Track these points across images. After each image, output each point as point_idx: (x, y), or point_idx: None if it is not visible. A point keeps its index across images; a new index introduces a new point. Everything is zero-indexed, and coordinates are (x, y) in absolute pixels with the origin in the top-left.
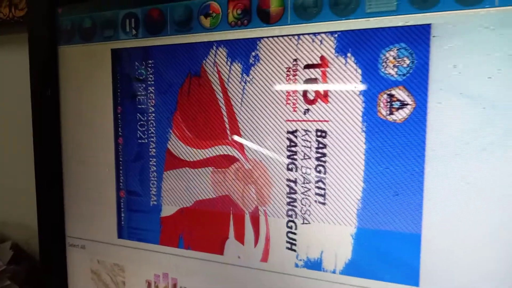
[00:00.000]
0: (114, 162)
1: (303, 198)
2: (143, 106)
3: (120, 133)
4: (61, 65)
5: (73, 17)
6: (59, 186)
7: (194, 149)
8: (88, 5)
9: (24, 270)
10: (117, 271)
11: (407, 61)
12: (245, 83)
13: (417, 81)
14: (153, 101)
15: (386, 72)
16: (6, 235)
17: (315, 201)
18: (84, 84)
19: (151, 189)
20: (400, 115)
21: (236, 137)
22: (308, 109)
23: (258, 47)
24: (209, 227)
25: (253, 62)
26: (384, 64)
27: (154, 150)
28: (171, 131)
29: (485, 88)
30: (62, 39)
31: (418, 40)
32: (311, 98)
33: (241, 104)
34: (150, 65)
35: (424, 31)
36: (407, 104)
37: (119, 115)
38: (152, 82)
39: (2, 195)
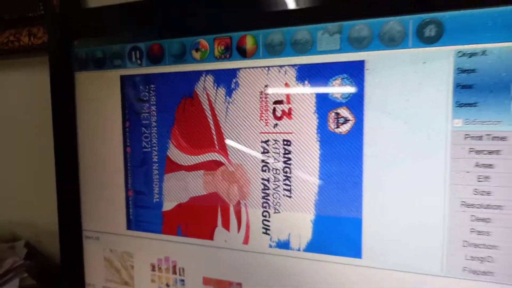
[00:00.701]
0: (123, 167)
1: (274, 193)
2: (146, 122)
3: (128, 144)
4: (77, 88)
5: (87, 49)
6: (76, 188)
7: (188, 156)
8: (100, 40)
9: (36, 266)
10: (126, 257)
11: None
12: (228, 103)
13: (356, 102)
14: (155, 117)
15: (333, 95)
16: (19, 235)
17: (283, 195)
18: (97, 104)
19: (154, 188)
20: (344, 128)
21: (222, 145)
22: (276, 124)
23: (238, 75)
24: (202, 218)
25: (234, 87)
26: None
27: (156, 157)
28: (169, 141)
29: (405, 108)
30: (78, 66)
31: (355, 72)
32: (279, 115)
33: (225, 120)
34: (152, 89)
35: (359, 65)
36: (349, 120)
37: (127, 129)
38: (154, 102)
39: (16, 199)
